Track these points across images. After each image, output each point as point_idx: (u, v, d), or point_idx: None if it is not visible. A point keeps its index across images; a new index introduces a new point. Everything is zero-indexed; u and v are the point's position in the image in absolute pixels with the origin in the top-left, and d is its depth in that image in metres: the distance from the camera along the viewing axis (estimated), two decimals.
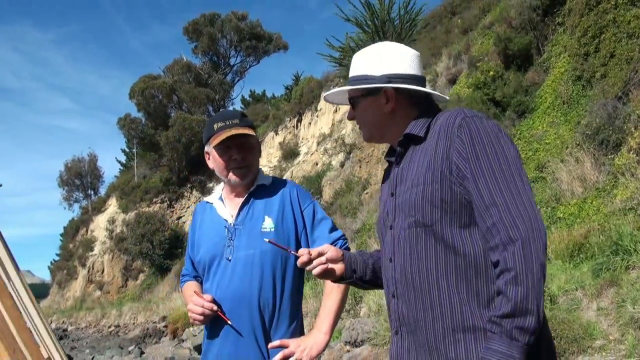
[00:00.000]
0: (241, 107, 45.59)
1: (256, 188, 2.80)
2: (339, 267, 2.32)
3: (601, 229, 7.73)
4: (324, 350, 2.67)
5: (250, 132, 2.73)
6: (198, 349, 13.23)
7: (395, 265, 2.11)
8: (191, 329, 16.46)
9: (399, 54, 2.23)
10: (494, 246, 1.83)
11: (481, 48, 16.62)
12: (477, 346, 1.86)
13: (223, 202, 2.86)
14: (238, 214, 2.76)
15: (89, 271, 41.69)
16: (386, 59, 2.21)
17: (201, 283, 2.88)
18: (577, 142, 10.00)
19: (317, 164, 27.19)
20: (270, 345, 2.60)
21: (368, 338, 8.07)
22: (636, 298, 5.83)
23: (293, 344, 2.60)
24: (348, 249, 2.74)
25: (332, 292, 2.71)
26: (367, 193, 20.47)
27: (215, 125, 2.75)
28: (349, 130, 25.72)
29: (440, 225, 1.96)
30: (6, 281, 1.58)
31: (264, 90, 50.86)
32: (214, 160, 2.81)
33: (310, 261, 2.25)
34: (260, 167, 2.88)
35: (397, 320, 2.13)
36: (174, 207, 38.83)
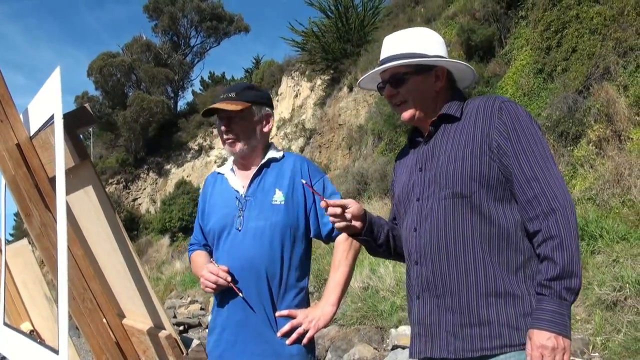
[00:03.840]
0: (200, 89, 45.25)
1: (267, 161, 2.85)
2: (357, 224, 2.39)
3: None
4: (330, 321, 2.75)
5: (232, 106, 2.74)
6: None
7: (421, 234, 2.24)
8: None
9: (441, 40, 2.40)
10: (533, 216, 2.03)
11: (444, 38, 16.77)
12: (506, 309, 2.05)
13: (234, 174, 2.91)
14: (249, 185, 2.80)
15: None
16: (435, 42, 2.36)
17: (210, 253, 2.94)
18: None
19: None
20: (278, 314, 2.66)
21: (335, 319, 8.22)
22: (602, 280, 6.08)
23: (301, 314, 2.67)
24: None
25: (341, 265, 2.77)
26: None
27: (218, 95, 2.84)
28: (309, 115, 25.79)
29: (478, 197, 2.12)
30: (79, 233, 1.67)
31: (224, 73, 50.54)
32: None
33: (338, 215, 2.31)
34: (261, 141, 2.89)
35: (419, 285, 2.25)
36: (130, 189, 38.34)
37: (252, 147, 2.83)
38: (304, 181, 2.64)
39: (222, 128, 2.81)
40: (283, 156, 2.91)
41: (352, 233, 2.46)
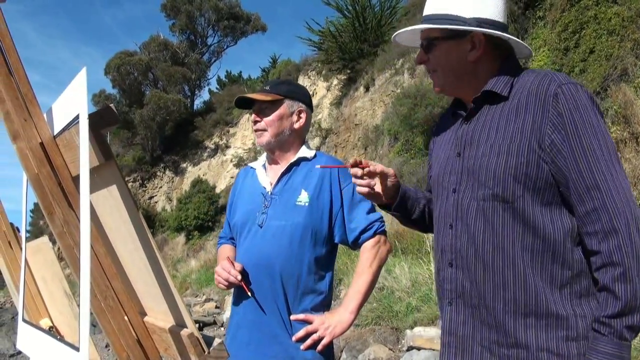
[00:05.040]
0: (216, 88, 45.44)
1: (297, 159, 2.82)
2: (385, 195, 2.20)
3: None
4: (348, 329, 2.64)
5: (262, 97, 2.77)
6: None
7: (457, 234, 2.00)
8: None
9: (497, 3, 1.99)
10: (592, 232, 1.74)
11: None
12: (547, 332, 1.81)
13: (265, 170, 2.89)
14: (277, 183, 2.79)
15: (59, 248, 41.37)
16: (478, 0, 1.96)
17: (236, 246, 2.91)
18: None
19: None
20: (293, 317, 2.61)
21: (355, 319, 8.22)
22: None
23: (317, 320, 2.60)
24: (384, 232, 2.73)
25: (364, 273, 2.70)
26: None
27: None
28: (326, 115, 25.79)
29: (523, 203, 1.83)
30: (101, 231, 1.70)
31: (240, 72, 50.66)
32: None
33: (358, 174, 2.12)
34: (292, 137, 2.86)
35: (453, 290, 2.02)
36: (146, 187, 38.54)
37: (280, 141, 2.82)
38: (318, 166, 2.65)
39: (253, 117, 2.83)
40: (315, 156, 2.86)
41: (382, 204, 2.30)
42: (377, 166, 2.14)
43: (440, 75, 2.06)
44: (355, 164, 2.13)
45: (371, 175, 2.17)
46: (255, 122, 2.83)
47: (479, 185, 1.92)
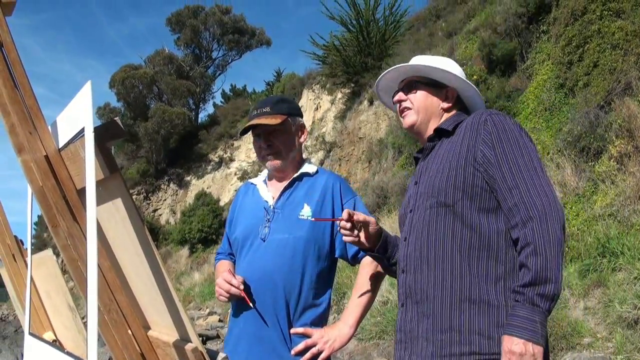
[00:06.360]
0: (221, 102, 45.56)
1: (300, 175, 2.83)
2: (369, 242, 2.47)
3: (580, 234, 7.92)
4: (347, 343, 2.68)
5: (271, 120, 2.72)
6: None
7: (408, 243, 2.30)
8: None
9: (461, 71, 2.53)
10: (514, 224, 2.04)
11: (465, 52, 16.75)
12: (480, 317, 2.06)
13: (266, 185, 2.89)
14: (279, 197, 2.79)
15: (62, 261, 41.36)
16: (456, 69, 2.51)
17: (235, 262, 2.91)
18: (558, 149, 10.16)
19: None
20: (293, 330, 2.61)
21: (355, 333, 8.18)
22: (624, 298, 5.99)
23: (316, 334, 2.61)
24: None
25: (363, 287, 2.72)
26: None
27: (251, 112, 2.84)
28: (330, 128, 25.79)
29: (461, 205, 2.16)
30: (105, 244, 1.69)
31: (245, 85, 50.81)
32: None
33: (347, 226, 2.39)
34: (298, 152, 2.89)
35: (403, 293, 2.30)
36: (150, 200, 38.55)
37: (291, 158, 2.83)
38: (312, 219, 2.67)
39: (263, 145, 2.80)
40: (317, 172, 2.88)
41: (365, 249, 2.53)
42: (360, 215, 2.43)
43: (414, 113, 2.50)
44: (349, 217, 2.38)
45: (356, 226, 2.44)
46: (268, 146, 2.80)
47: (427, 197, 2.27)
